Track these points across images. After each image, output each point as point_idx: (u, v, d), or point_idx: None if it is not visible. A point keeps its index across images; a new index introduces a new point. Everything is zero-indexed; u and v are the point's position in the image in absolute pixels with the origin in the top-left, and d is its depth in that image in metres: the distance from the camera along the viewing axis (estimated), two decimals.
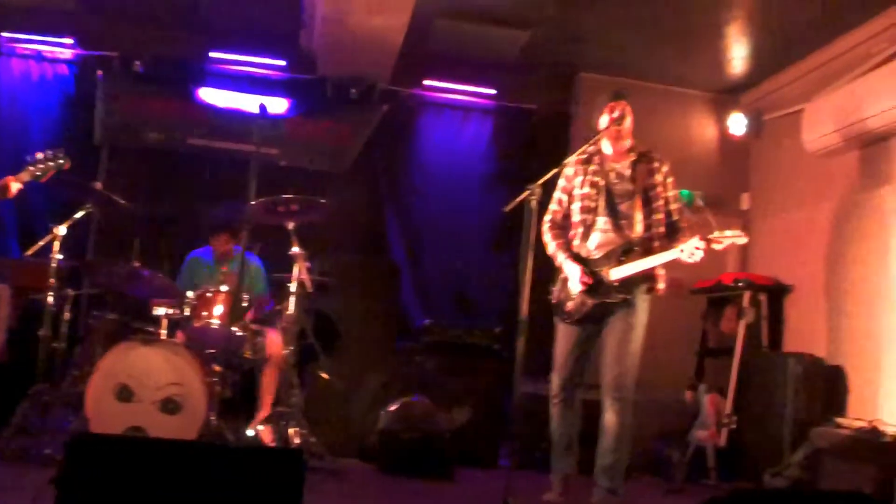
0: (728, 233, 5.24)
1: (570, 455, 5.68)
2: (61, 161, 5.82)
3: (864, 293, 7.41)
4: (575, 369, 5.65)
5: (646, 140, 5.79)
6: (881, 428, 6.20)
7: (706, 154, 9.57)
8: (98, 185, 6.32)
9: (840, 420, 6.76)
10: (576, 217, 5.70)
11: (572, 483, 5.68)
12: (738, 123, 9.20)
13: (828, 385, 7.23)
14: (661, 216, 5.59)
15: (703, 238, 5.22)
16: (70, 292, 6.51)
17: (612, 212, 5.60)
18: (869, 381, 7.13)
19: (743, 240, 5.25)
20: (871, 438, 6.13)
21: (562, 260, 5.66)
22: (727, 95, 9.52)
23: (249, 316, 6.73)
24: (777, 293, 8.17)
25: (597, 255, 5.57)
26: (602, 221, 5.60)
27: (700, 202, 8.98)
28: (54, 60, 8.55)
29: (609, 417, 5.45)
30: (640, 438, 6.87)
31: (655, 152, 5.73)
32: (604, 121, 5.64)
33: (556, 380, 5.69)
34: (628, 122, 5.63)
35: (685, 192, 8.84)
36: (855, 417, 6.66)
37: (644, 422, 7.29)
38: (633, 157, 5.66)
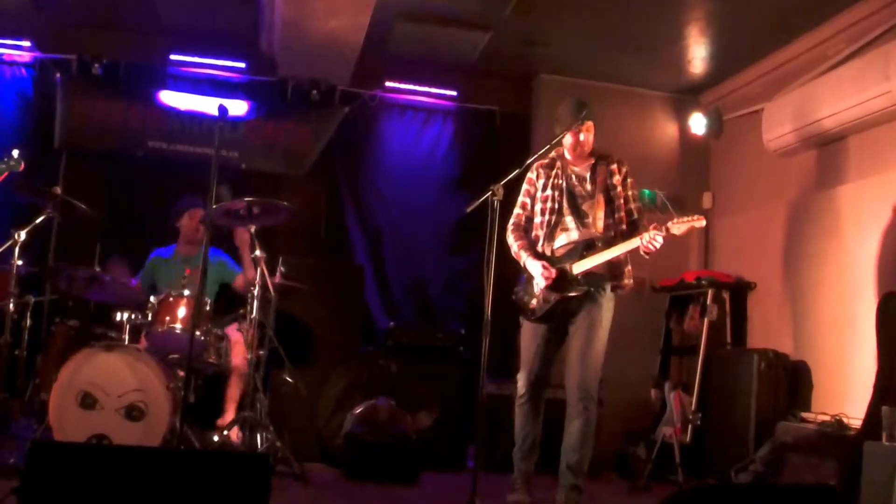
0: (686, 217, 5.29)
1: (534, 455, 5.70)
2: (13, 163, 5.69)
3: (825, 288, 7.46)
4: (542, 369, 5.68)
5: (607, 141, 5.85)
6: (845, 422, 6.25)
7: (667, 154, 9.61)
8: (58, 190, 6.22)
9: (804, 415, 6.81)
10: (538, 218, 5.76)
11: (535, 482, 5.70)
12: (698, 123, 9.21)
13: (792, 380, 7.28)
14: (622, 214, 5.67)
15: (661, 225, 5.28)
16: (31, 299, 6.44)
17: (576, 211, 5.67)
18: (833, 376, 7.18)
19: (701, 223, 5.33)
20: (835, 432, 6.17)
21: (525, 258, 5.70)
22: (688, 96, 9.56)
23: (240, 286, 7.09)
24: (740, 290, 8.21)
25: (561, 252, 5.63)
26: (567, 221, 5.66)
27: (661, 200, 9.06)
28: (12, 63, 8.40)
29: (574, 416, 5.48)
30: (605, 437, 6.91)
31: (614, 155, 5.81)
32: (567, 140, 5.69)
33: (522, 379, 5.71)
34: (590, 138, 5.71)
35: (647, 191, 8.92)
36: (819, 412, 6.70)
37: (610, 420, 7.35)
38: (591, 160, 5.75)
